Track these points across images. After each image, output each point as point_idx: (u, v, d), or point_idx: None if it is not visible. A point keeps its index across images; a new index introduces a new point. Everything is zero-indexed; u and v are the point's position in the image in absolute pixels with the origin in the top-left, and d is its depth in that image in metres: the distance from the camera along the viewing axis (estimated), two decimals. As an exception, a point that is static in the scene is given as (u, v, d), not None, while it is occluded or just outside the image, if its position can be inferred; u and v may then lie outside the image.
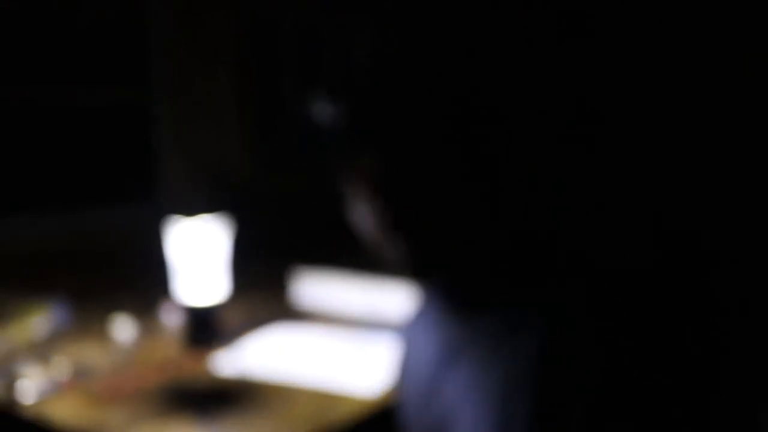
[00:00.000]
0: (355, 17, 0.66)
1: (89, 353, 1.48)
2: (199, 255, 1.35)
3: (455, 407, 0.65)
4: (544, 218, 0.63)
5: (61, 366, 1.37)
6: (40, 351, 1.49)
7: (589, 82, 0.61)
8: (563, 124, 0.61)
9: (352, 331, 1.61)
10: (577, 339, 0.57)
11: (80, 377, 1.33)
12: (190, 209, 1.42)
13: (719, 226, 0.65)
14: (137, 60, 3.29)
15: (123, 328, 1.62)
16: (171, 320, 1.71)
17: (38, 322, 1.62)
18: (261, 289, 2.04)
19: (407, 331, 0.82)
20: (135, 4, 3.25)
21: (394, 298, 1.71)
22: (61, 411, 1.18)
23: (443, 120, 0.60)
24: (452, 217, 0.64)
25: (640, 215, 0.65)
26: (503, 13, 0.60)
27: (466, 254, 0.66)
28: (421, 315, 0.80)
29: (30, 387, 1.25)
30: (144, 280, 1.96)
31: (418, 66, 0.61)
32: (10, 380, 1.28)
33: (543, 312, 0.60)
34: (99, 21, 3.18)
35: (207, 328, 1.46)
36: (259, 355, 1.44)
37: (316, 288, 1.87)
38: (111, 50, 3.21)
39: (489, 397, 0.59)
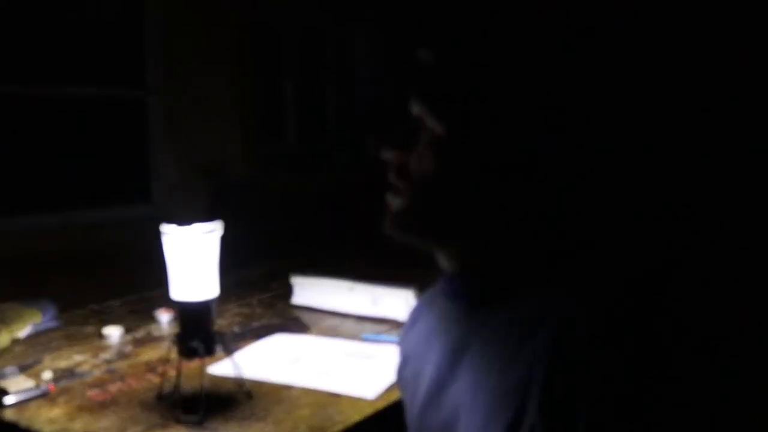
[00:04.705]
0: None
1: (79, 357, 1.44)
2: (195, 256, 1.32)
3: (464, 404, 0.65)
4: (570, 222, 0.64)
5: (51, 371, 1.33)
6: (29, 355, 1.45)
7: (636, 92, 0.65)
8: (603, 127, 0.63)
9: (352, 334, 1.59)
10: (587, 344, 0.57)
11: (70, 382, 1.30)
12: (188, 210, 1.39)
13: (732, 229, 0.66)
14: (137, 61, 3.27)
15: (115, 332, 1.59)
16: (165, 323, 1.68)
17: (27, 325, 1.58)
18: (259, 290, 2.02)
19: (414, 324, 0.82)
20: (136, 5, 3.23)
21: (395, 300, 1.69)
22: (51, 417, 1.15)
23: (507, 111, 0.63)
24: (491, 205, 0.65)
25: (655, 219, 0.66)
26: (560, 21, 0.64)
27: (491, 244, 0.67)
28: (428, 308, 0.80)
29: (18, 392, 1.21)
30: (139, 282, 1.93)
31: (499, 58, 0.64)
32: (-2, 385, 1.25)
33: (555, 314, 0.60)
34: (99, 21, 3.16)
35: (203, 331, 1.43)
36: (257, 357, 1.42)
37: (316, 288, 1.84)
38: (111, 51, 3.19)
39: (499, 397, 0.60)
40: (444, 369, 0.70)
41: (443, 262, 0.71)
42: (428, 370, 0.72)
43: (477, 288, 0.69)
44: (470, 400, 0.64)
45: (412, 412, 0.76)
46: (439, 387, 0.70)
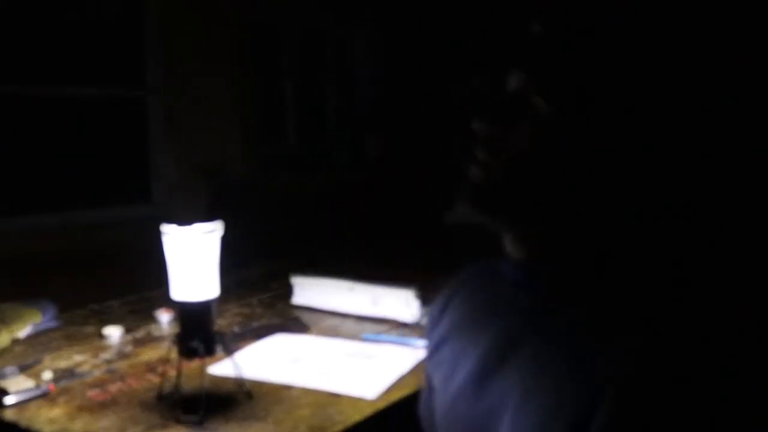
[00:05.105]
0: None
1: (79, 357, 1.44)
2: (195, 256, 1.32)
3: (513, 399, 0.63)
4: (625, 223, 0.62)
5: (51, 371, 1.33)
6: (29, 355, 1.45)
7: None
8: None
9: (352, 334, 1.59)
10: (662, 357, 0.56)
11: (70, 382, 1.29)
12: (188, 210, 1.39)
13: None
14: (137, 61, 3.26)
15: (115, 332, 1.58)
16: (165, 323, 1.68)
17: (27, 325, 1.58)
18: (259, 290, 2.01)
19: (447, 306, 0.80)
20: (136, 5, 3.22)
21: (395, 300, 1.69)
22: (51, 417, 1.15)
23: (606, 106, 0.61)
24: (580, 195, 0.63)
25: (656, 219, 0.64)
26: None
27: (568, 235, 0.65)
28: (469, 290, 0.77)
29: (18, 392, 1.21)
30: (139, 282, 1.93)
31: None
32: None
33: (624, 323, 0.59)
34: (99, 21, 3.15)
35: (203, 331, 1.43)
36: (257, 357, 1.41)
37: (316, 288, 1.84)
38: (111, 51, 3.18)
39: (561, 400, 0.58)
40: (492, 358, 0.67)
41: (509, 246, 0.68)
42: (472, 354, 0.70)
43: (545, 282, 0.66)
44: (521, 397, 0.62)
45: (444, 395, 0.74)
46: (484, 375, 0.67)
